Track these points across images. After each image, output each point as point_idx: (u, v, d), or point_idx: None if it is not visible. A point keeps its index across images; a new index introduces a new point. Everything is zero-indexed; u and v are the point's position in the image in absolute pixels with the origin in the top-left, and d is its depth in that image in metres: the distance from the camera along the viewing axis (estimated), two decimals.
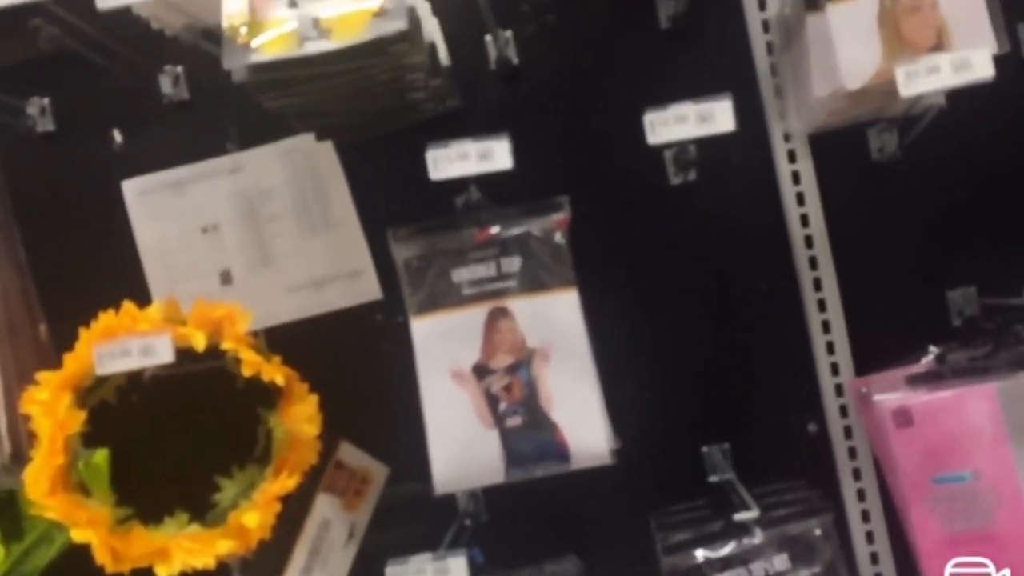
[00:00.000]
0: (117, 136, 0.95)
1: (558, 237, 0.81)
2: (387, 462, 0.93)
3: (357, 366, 0.93)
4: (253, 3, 0.73)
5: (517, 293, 0.80)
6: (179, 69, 0.93)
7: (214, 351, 0.80)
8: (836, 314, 0.89)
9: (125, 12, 0.77)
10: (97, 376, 0.79)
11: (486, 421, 0.79)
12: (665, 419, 0.90)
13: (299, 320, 0.94)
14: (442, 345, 0.80)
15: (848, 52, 0.72)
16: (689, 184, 0.89)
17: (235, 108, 0.90)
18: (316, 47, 0.71)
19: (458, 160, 0.73)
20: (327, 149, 0.93)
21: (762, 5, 0.89)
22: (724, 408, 0.91)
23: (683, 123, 0.71)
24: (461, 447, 0.79)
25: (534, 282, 0.80)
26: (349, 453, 0.91)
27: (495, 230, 0.82)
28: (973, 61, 0.67)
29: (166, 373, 0.81)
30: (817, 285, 0.90)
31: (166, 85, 0.93)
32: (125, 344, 0.76)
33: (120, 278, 0.93)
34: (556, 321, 0.80)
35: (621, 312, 0.88)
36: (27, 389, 0.79)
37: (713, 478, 0.89)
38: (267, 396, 0.83)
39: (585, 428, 0.78)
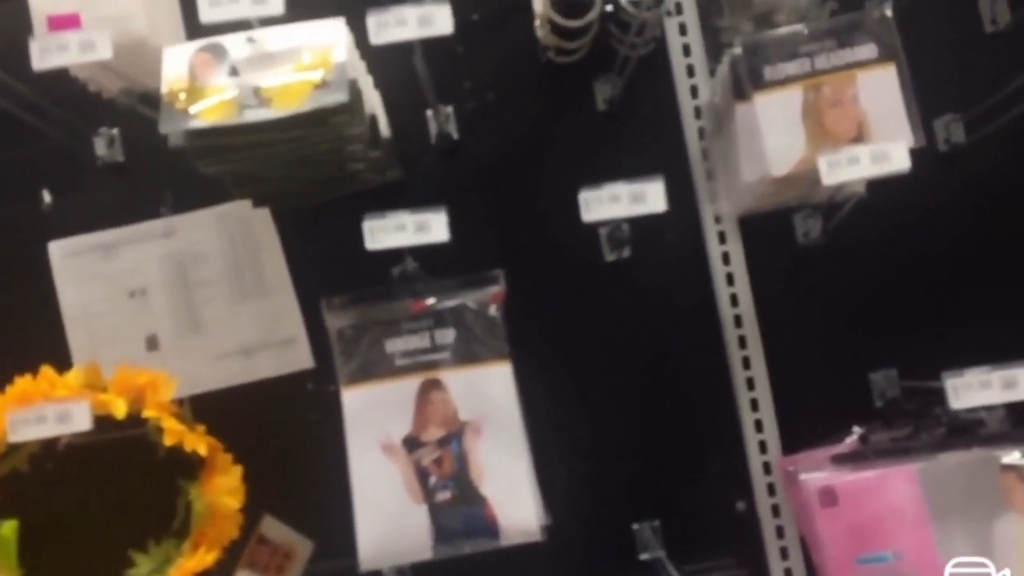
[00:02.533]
0: (47, 197, 0.93)
1: (493, 310, 0.82)
2: (312, 537, 0.90)
3: (285, 436, 0.91)
4: (193, 70, 0.74)
5: (450, 365, 0.80)
6: (115, 131, 0.92)
7: (135, 419, 0.77)
8: (764, 392, 0.91)
9: (61, 73, 0.76)
10: (9, 444, 0.76)
11: (415, 495, 0.77)
12: (596, 495, 0.90)
13: (228, 388, 0.92)
14: (373, 416, 0.79)
15: (774, 140, 0.75)
16: (623, 261, 0.90)
17: (171, 172, 0.90)
18: (255, 115, 0.71)
19: (395, 231, 0.74)
20: (263, 216, 0.92)
21: (694, 92, 0.93)
22: (655, 485, 0.91)
23: (616, 202, 0.73)
24: (389, 522, 0.77)
25: (468, 355, 0.80)
26: (272, 527, 0.88)
27: (430, 301, 0.82)
28: (891, 154, 0.70)
29: (84, 441, 0.78)
30: (746, 364, 0.91)
31: (100, 147, 0.92)
32: (40, 410, 0.74)
33: (43, 343, 0.90)
34: (489, 394, 0.79)
35: (554, 387, 0.88)
36: None
37: (644, 556, 0.88)
38: (188, 467, 0.80)
39: (515, 504, 0.77)
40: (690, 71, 0.93)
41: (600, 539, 0.90)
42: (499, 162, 0.93)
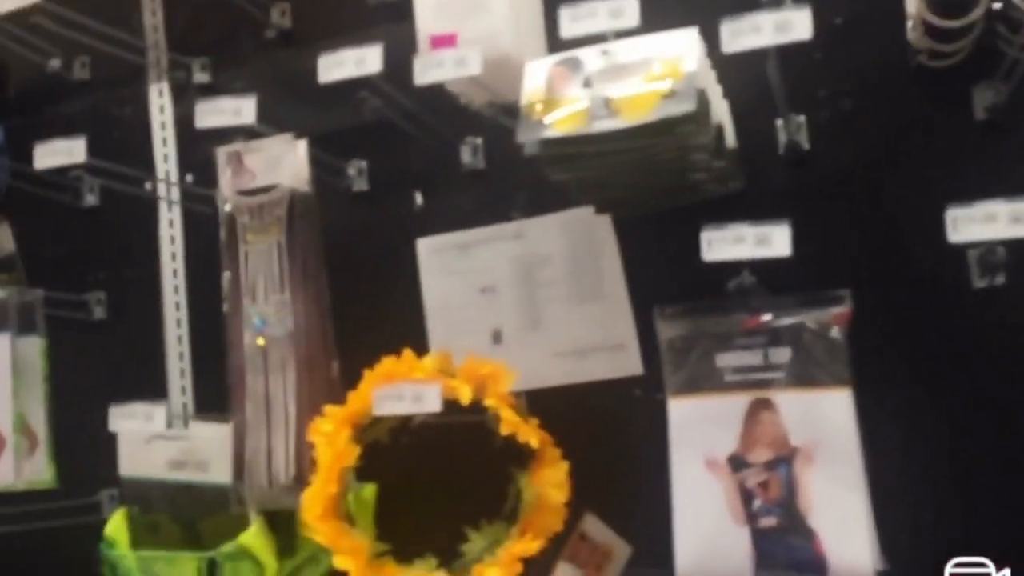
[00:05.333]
0: (418, 198, 1.04)
1: (835, 332, 0.77)
2: (630, 541, 0.91)
3: (610, 439, 0.93)
4: (551, 82, 0.78)
5: (784, 386, 0.77)
6: (479, 140, 1.00)
7: (477, 406, 0.84)
8: None
9: (438, 87, 0.85)
10: (374, 416, 0.86)
11: (737, 517, 0.75)
12: (946, 544, 0.80)
13: (560, 386, 0.96)
14: (698, 430, 0.78)
15: None
16: (995, 289, 0.80)
17: (524, 179, 0.95)
18: (604, 126, 0.74)
19: (733, 243, 0.72)
20: (605, 222, 0.95)
21: None
22: (1017, 533, 0.80)
23: (992, 222, 0.65)
24: (709, 539, 0.76)
25: (804, 377, 0.76)
26: (594, 526, 0.91)
27: (766, 318, 0.79)
28: None
29: (433, 421, 0.86)
30: None
31: (466, 154, 1.00)
32: (400, 389, 0.82)
33: (405, 327, 1.00)
34: (825, 421, 0.75)
35: (902, 421, 0.80)
36: (315, 420, 0.88)
37: None
38: (520, 457, 0.85)
39: (847, 542, 0.72)
40: None
41: None
42: (852, 175, 0.87)
